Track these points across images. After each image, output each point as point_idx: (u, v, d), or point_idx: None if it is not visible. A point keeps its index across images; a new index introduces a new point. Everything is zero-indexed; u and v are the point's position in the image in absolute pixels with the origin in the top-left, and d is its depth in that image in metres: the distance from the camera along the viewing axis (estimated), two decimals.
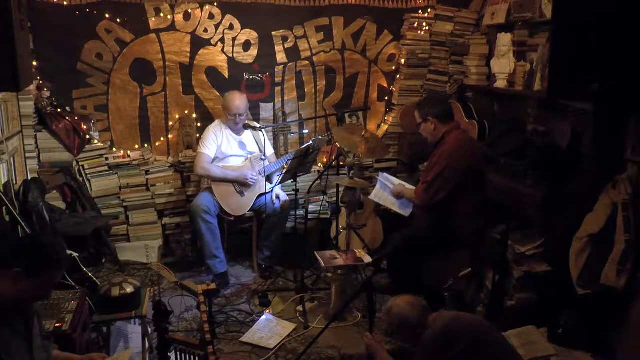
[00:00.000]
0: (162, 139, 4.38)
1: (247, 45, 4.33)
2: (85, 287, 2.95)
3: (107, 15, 4.02)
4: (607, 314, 2.88)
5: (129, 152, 4.28)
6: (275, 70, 4.44)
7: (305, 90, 4.56)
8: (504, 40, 3.85)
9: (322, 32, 4.44)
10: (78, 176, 4.06)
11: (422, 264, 3.34)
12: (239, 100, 3.90)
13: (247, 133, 4.08)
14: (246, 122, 3.97)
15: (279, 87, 4.49)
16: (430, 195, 3.24)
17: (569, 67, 2.40)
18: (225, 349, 3.14)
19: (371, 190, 3.78)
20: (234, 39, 4.29)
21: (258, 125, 4.15)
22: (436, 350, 2.26)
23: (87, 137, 4.04)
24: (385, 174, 3.72)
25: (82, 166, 4.11)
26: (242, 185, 3.93)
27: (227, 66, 4.33)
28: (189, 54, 4.24)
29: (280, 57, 4.41)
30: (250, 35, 4.30)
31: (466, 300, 3.38)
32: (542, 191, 3.21)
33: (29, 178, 3.67)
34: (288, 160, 3.92)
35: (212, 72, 4.32)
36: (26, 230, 3.02)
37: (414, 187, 3.53)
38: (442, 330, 2.30)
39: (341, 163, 4.27)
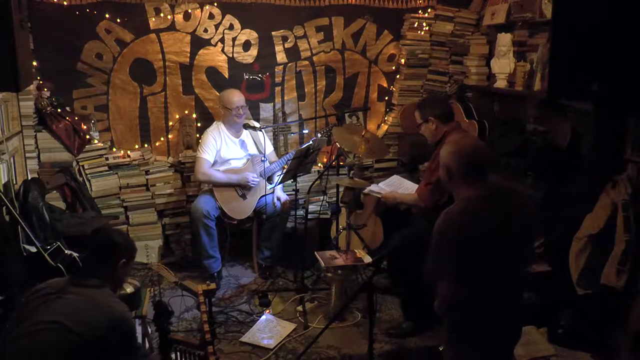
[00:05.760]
0: (162, 139, 4.38)
1: (247, 45, 4.33)
2: None
3: (107, 15, 4.03)
4: (607, 314, 2.87)
5: (129, 152, 4.28)
6: (275, 70, 4.44)
7: (305, 90, 4.56)
8: (504, 40, 3.85)
9: (322, 32, 4.44)
10: (78, 176, 4.06)
11: (422, 264, 3.33)
12: (237, 95, 3.93)
13: (246, 133, 4.08)
14: (246, 121, 3.98)
15: (279, 87, 4.49)
16: (437, 197, 3.22)
17: (569, 67, 2.40)
18: (225, 349, 3.14)
19: None
20: (234, 39, 4.29)
21: (258, 125, 4.15)
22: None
23: (87, 137, 4.04)
24: (371, 188, 3.65)
25: (82, 166, 4.11)
26: (243, 188, 3.93)
27: (227, 66, 4.33)
28: (189, 54, 4.24)
29: (280, 57, 4.41)
30: (250, 35, 4.30)
31: None
32: (542, 191, 3.21)
33: (29, 178, 3.67)
34: (288, 160, 3.92)
35: (212, 72, 4.32)
36: (26, 230, 3.02)
37: (410, 188, 3.54)
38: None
39: (341, 163, 4.27)
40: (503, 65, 3.88)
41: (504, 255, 2.06)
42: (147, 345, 2.94)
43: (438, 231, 2.06)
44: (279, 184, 4.02)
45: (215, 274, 3.89)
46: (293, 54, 4.43)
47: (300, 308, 3.56)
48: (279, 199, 4.01)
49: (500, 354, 2.19)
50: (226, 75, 4.34)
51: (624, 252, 2.72)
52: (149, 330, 2.95)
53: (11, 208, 3.00)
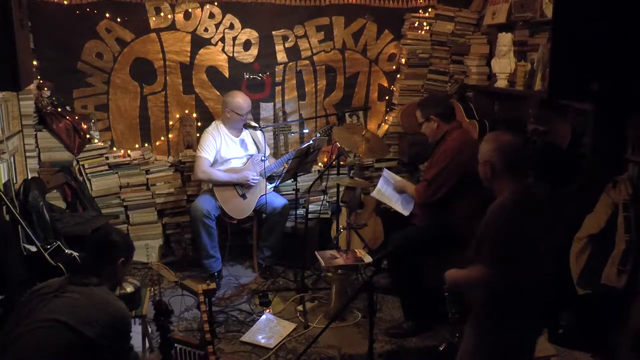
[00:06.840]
0: (162, 138, 4.38)
1: (247, 45, 4.33)
2: None
3: (107, 15, 4.03)
4: (607, 314, 2.87)
5: (129, 151, 4.27)
6: (276, 69, 4.44)
7: (306, 89, 4.56)
8: (505, 40, 3.85)
9: (323, 32, 4.44)
10: (78, 176, 4.06)
11: (423, 264, 3.34)
12: (244, 99, 3.94)
13: (246, 133, 4.08)
14: (246, 121, 3.98)
15: (279, 87, 4.49)
16: (429, 193, 3.24)
17: (569, 67, 2.40)
18: (225, 349, 3.14)
19: (371, 190, 3.77)
20: (234, 39, 4.28)
21: (258, 125, 4.15)
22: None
23: (87, 136, 4.04)
24: (388, 170, 3.71)
25: (82, 166, 4.11)
26: (243, 187, 3.93)
27: (227, 66, 4.33)
28: (189, 54, 4.24)
29: (281, 56, 4.41)
30: (251, 34, 4.30)
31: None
32: (542, 191, 3.20)
33: (29, 177, 3.67)
34: (289, 159, 3.92)
35: (212, 72, 4.32)
36: (26, 230, 3.02)
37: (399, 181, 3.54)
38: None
39: (341, 163, 4.27)
40: (504, 65, 3.88)
41: (543, 244, 2.18)
42: (147, 344, 2.94)
43: (495, 219, 2.13)
44: (278, 184, 4.03)
45: (216, 273, 3.89)
46: (293, 53, 4.43)
47: (300, 308, 3.55)
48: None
49: (528, 344, 2.27)
50: (226, 75, 4.34)
51: (624, 252, 2.72)
52: (149, 329, 2.95)
53: (11, 207, 2.99)
